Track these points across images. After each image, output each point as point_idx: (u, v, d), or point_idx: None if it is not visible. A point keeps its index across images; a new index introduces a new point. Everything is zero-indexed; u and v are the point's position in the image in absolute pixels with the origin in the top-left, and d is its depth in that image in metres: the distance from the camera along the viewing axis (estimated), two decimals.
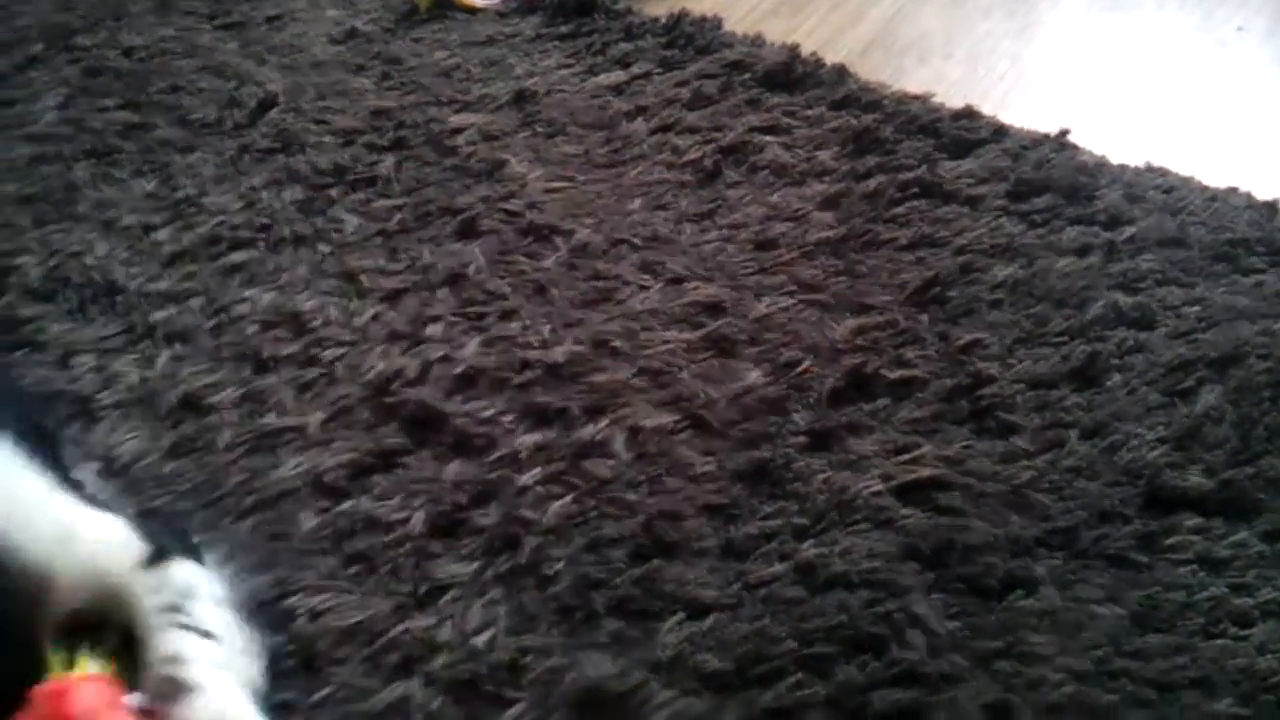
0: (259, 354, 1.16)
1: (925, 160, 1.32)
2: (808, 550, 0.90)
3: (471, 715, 0.84)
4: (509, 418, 1.06)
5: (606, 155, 1.41)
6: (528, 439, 1.03)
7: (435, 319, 1.18)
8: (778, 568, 0.90)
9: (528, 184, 1.36)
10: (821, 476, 0.96)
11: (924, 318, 1.11)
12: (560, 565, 0.92)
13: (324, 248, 1.31)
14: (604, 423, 1.04)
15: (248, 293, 1.25)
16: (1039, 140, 1.35)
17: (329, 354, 1.15)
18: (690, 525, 0.94)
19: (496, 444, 1.03)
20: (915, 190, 1.28)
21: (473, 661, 0.86)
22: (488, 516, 0.97)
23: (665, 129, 1.43)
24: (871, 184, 1.29)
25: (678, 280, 1.20)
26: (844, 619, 0.85)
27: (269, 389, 1.12)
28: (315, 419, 1.08)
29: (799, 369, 1.06)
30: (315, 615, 0.91)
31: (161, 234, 1.37)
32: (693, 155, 1.37)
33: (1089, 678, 0.82)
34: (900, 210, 1.26)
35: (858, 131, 1.37)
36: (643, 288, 1.19)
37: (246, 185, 1.43)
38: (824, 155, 1.35)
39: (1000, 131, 1.37)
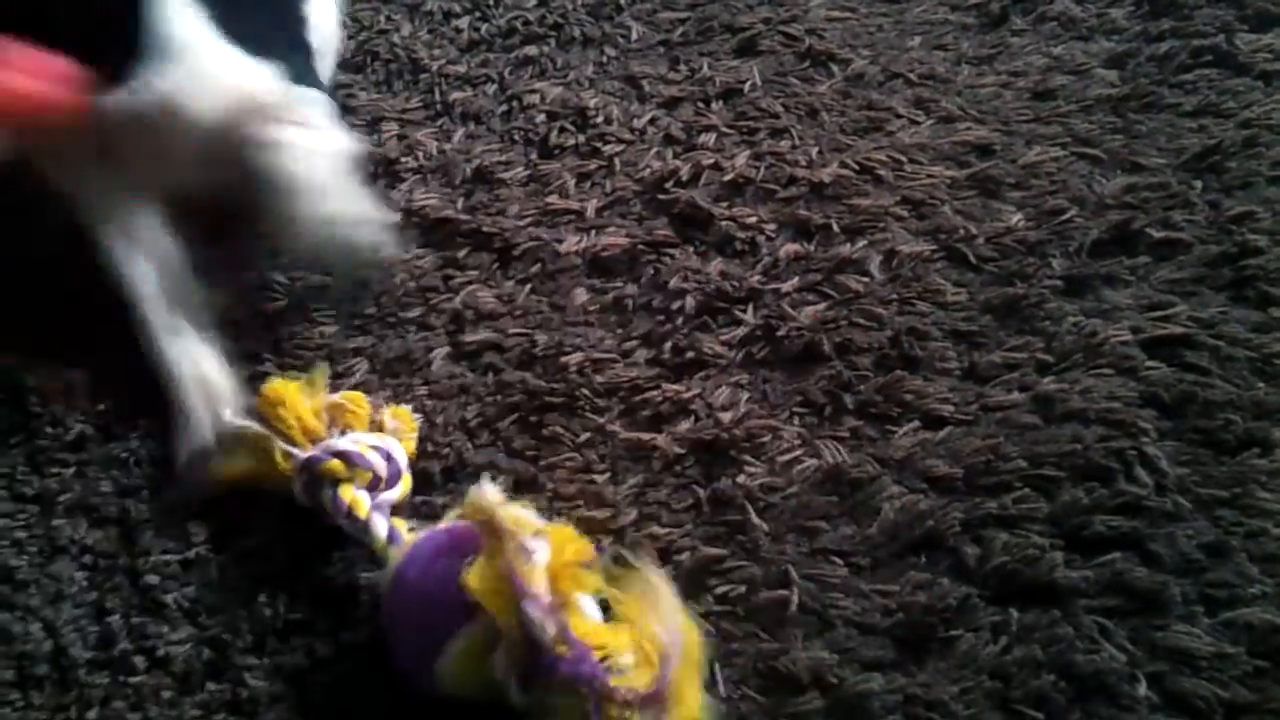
0: (546, 140, 1.26)
1: (1224, 29, 1.28)
2: (1048, 384, 0.95)
3: (711, 473, 0.94)
4: (771, 226, 1.12)
5: None
6: (789, 248, 1.09)
7: (709, 129, 1.24)
8: (1016, 396, 0.95)
9: (810, 10, 1.39)
10: (1072, 320, 0.99)
11: (1198, 184, 1.10)
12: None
13: (610, 51, 1.38)
14: (862, 243, 1.09)
15: (538, 85, 1.34)
16: None
17: (609, 149, 1.23)
18: (935, 346, 0.99)
19: (759, 249, 1.10)
20: (1208, 59, 1.25)
21: (717, 428, 0.96)
22: (745, 313, 1.05)
23: None
24: (1162, 47, 1.26)
25: (949, 119, 1.22)
26: (1076, 448, 0.89)
27: (553, 173, 1.21)
28: (592, 205, 1.17)
29: (1063, 217, 1.08)
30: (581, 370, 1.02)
31: (461, 22, 1.47)
32: None
33: None
34: (1189, 77, 1.23)
35: None
36: (913, 122, 1.22)
37: None
38: (1116, 13, 1.33)
39: None
